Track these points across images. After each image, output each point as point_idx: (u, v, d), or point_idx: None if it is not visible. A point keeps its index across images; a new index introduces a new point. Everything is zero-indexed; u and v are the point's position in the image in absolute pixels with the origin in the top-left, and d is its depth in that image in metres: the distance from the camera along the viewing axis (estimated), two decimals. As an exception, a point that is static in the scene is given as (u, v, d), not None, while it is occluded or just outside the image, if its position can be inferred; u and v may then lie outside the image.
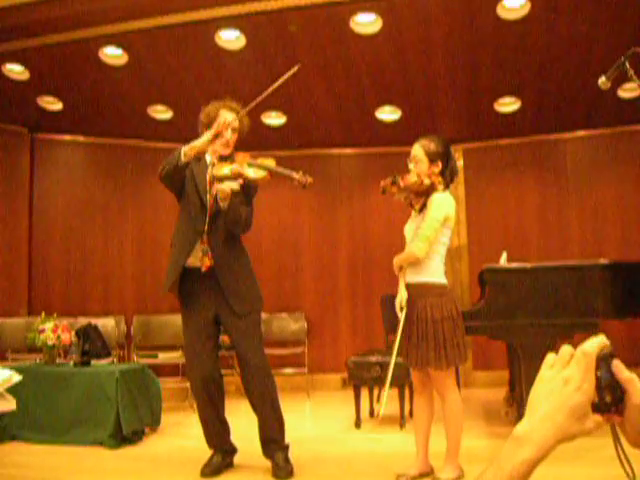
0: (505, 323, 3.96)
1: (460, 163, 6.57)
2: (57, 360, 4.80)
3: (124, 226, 7.02)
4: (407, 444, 3.68)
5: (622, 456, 0.83)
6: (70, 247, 6.79)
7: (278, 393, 3.46)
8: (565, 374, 0.79)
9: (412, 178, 3.17)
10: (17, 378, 3.49)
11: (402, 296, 3.19)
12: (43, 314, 4.83)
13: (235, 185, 3.19)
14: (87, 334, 5.48)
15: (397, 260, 3.24)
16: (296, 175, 3.17)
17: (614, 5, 4.62)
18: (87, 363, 4.61)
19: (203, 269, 3.31)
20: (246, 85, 5.62)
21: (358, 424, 4.67)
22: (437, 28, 4.99)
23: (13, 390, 3.46)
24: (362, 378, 4.67)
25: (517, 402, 4.40)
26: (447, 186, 3.25)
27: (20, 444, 4.21)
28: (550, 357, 0.84)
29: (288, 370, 6.83)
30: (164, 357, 6.02)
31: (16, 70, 5.56)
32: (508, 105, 6.42)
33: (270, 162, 3.28)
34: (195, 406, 3.59)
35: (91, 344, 5.43)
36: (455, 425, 3.10)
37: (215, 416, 3.46)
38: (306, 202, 7.34)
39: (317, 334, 7.13)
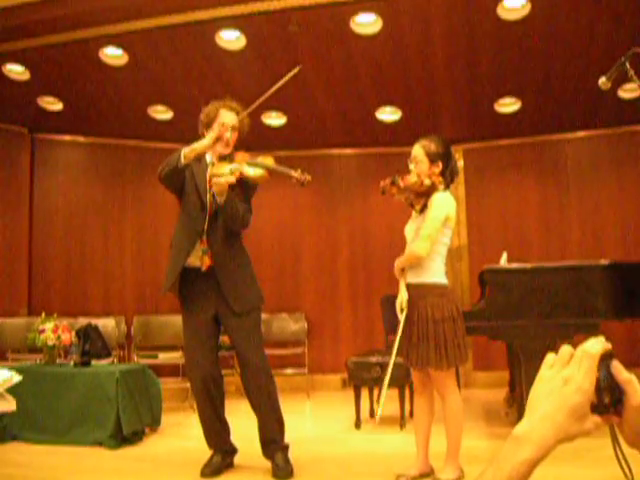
0: (505, 323, 3.96)
1: (460, 163, 6.56)
2: (57, 360, 4.80)
3: (124, 226, 7.02)
4: (407, 444, 3.67)
5: (621, 457, 0.83)
6: (70, 247, 6.79)
7: (278, 393, 3.46)
8: (565, 374, 0.79)
9: (412, 178, 3.17)
10: (17, 378, 3.49)
11: (402, 297, 3.19)
12: (43, 314, 4.83)
13: (231, 178, 3.19)
14: (87, 334, 5.49)
15: (398, 262, 3.24)
16: (295, 173, 3.19)
17: (614, 5, 4.62)
18: (87, 363, 4.61)
19: (203, 268, 3.32)
20: (246, 85, 5.62)
21: (358, 424, 4.66)
22: (437, 28, 4.99)
23: (13, 390, 3.47)
24: (362, 378, 4.67)
25: (517, 403, 4.40)
26: (447, 186, 3.25)
27: (20, 444, 4.21)
28: (550, 357, 0.83)
29: (288, 370, 6.83)
30: (164, 357, 6.03)
31: (16, 70, 5.57)
32: (508, 105, 6.42)
33: (269, 161, 3.29)
34: (195, 406, 3.59)
35: (91, 344, 5.44)
36: (455, 425, 3.10)
37: (215, 416, 3.46)
38: (306, 202, 7.34)
39: (317, 334, 7.13)
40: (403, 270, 3.23)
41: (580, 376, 0.78)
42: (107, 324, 6.26)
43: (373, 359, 4.66)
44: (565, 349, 0.82)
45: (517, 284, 3.99)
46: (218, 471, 3.41)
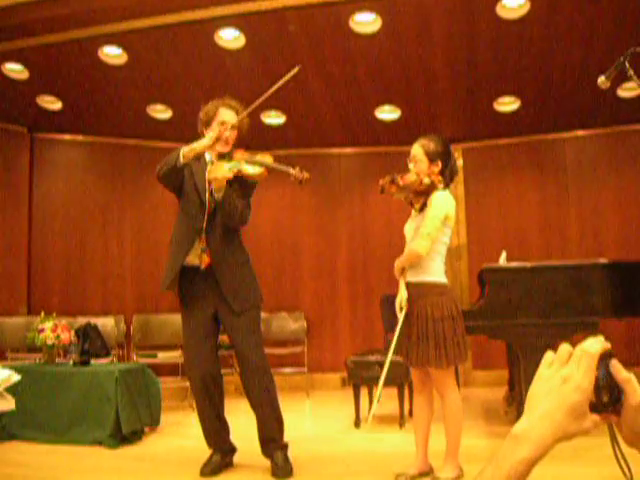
0: (504, 322, 3.96)
1: (459, 162, 6.56)
2: (56, 360, 4.80)
3: (124, 225, 7.02)
4: (407, 443, 3.68)
5: (619, 456, 0.83)
6: (69, 246, 6.79)
7: (277, 392, 3.46)
8: (564, 373, 0.79)
9: (411, 177, 3.16)
10: (16, 378, 3.49)
11: (402, 296, 3.19)
12: (42, 313, 4.83)
13: (229, 173, 3.20)
14: (86, 333, 5.49)
15: (398, 263, 3.23)
16: (293, 171, 3.20)
17: (614, 5, 4.62)
18: (86, 363, 4.61)
19: (202, 267, 3.32)
20: (245, 84, 5.62)
21: (357, 423, 4.67)
22: (437, 27, 4.99)
23: (13, 390, 3.47)
24: (362, 377, 4.67)
25: (517, 401, 4.40)
26: (447, 185, 3.25)
27: (19, 443, 4.21)
28: (549, 356, 0.83)
29: (287, 370, 6.83)
30: (163, 357, 6.03)
31: (16, 69, 5.56)
32: (507, 105, 6.42)
33: (268, 158, 3.30)
34: (194, 405, 3.59)
35: (90, 343, 5.44)
36: (455, 424, 3.10)
37: (214, 415, 3.46)
38: (306, 201, 7.34)
39: (316, 333, 7.13)
40: (403, 270, 3.23)
41: (579, 375, 0.78)
42: (106, 323, 6.26)
43: (372, 358, 4.66)
44: (564, 348, 0.82)
45: (516, 283, 3.99)
46: (217, 470, 3.41)
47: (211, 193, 3.31)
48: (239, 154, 3.33)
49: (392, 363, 3.09)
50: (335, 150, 7.43)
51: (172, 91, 6.04)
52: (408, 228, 3.31)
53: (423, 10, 4.78)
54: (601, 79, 2.66)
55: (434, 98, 6.27)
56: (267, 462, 3.40)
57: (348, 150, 7.47)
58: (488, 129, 6.96)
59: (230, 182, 3.27)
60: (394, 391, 4.63)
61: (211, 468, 3.39)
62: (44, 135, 6.80)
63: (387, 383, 4.64)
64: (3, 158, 6.50)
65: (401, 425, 4.56)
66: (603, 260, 4.11)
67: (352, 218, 7.36)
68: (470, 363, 6.77)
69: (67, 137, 6.94)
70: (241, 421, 3.70)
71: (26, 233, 6.60)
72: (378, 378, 4.49)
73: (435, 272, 3.16)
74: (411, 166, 3.23)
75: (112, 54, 5.35)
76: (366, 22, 4.95)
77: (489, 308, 3.97)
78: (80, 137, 6.96)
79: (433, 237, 3.09)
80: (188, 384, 4.23)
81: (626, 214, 6.71)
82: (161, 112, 6.51)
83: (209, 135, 3.29)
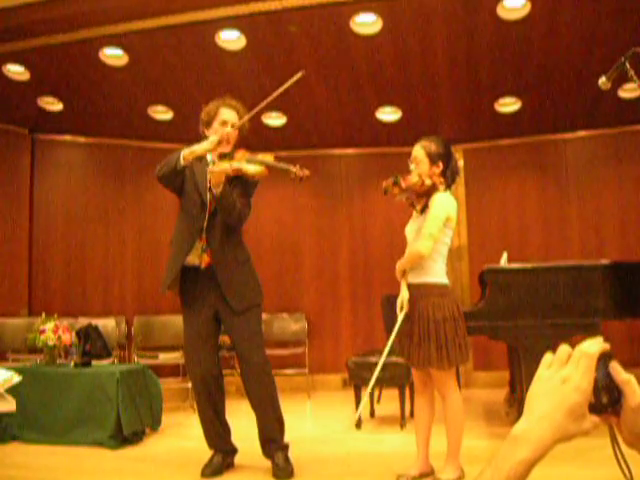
0: (505, 324, 3.96)
1: (460, 163, 6.56)
2: (57, 361, 4.80)
3: (124, 226, 7.02)
4: (408, 444, 3.68)
5: (620, 457, 0.83)
6: (70, 247, 6.79)
7: (278, 393, 3.46)
8: (563, 374, 0.79)
9: (413, 179, 3.17)
10: (17, 379, 3.50)
11: (403, 296, 3.20)
12: (44, 315, 4.83)
13: (228, 168, 3.20)
14: (88, 335, 5.50)
15: (400, 265, 3.23)
16: (293, 168, 3.21)
17: (614, 5, 4.62)
18: (88, 364, 4.61)
19: (202, 266, 3.33)
20: (246, 85, 5.62)
21: (359, 424, 4.66)
22: (437, 28, 4.99)
23: (13, 391, 3.47)
24: (363, 378, 4.66)
25: (518, 402, 4.40)
26: (448, 187, 3.25)
27: (20, 445, 4.21)
28: (548, 357, 0.83)
29: (289, 370, 6.83)
30: (164, 358, 6.03)
31: (16, 70, 5.57)
32: (508, 105, 6.42)
33: (268, 157, 3.31)
34: (195, 406, 3.60)
35: (92, 345, 5.45)
36: (456, 425, 3.10)
37: (215, 416, 3.46)
38: (306, 202, 7.34)
39: (317, 334, 7.13)
40: (404, 272, 3.23)
41: (578, 376, 0.78)
42: (107, 324, 6.26)
43: (373, 359, 4.65)
44: (563, 349, 0.82)
45: (517, 284, 3.99)
46: (219, 471, 3.41)
47: (210, 189, 3.31)
48: (240, 154, 3.34)
49: (392, 364, 3.09)
50: (336, 151, 7.43)
51: (173, 92, 6.05)
52: (409, 229, 3.31)
53: (424, 11, 4.78)
54: (602, 80, 2.66)
55: (435, 99, 6.27)
56: (268, 463, 3.40)
57: (349, 151, 7.47)
58: (489, 130, 6.96)
59: (231, 181, 3.28)
60: (395, 392, 4.63)
61: (212, 469, 3.39)
62: (45, 136, 6.80)
63: (388, 384, 4.67)
64: (4, 159, 6.51)
65: (402, 426, 4.55)
66: (604, 261, 4.11)
67: (353, 219, 7.36)
68: (471, 364, 6.77)
69: (68, 138, 6.94)
70: (242, 422, 3.70)
71: (27, 234, 6.61)
72: (379, 379, 4.49)
73: (436, 273, 3.16)
74: (412, 167, 3.23)
75: (113, 55, 5.36)
76: (367, 23, 4.95)
77: (490, 309, 3.96)
78: (81, 138, 6.97)
79: (435, 238, 3.09)
80: (189, 385, 4.25)
81: (627, 215, 6.71)
82: (162, 113, 6.51)
83: (211, 139, 3.28)
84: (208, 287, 3.36)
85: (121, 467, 3.70)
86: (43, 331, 4.63)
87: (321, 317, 7.18)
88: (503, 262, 4.64)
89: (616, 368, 0.79)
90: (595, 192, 6.84)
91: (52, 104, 6.24)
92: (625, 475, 0.82)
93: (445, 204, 3.13)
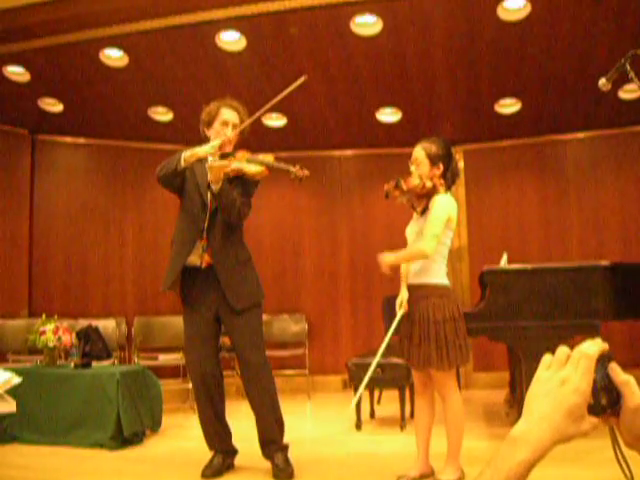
0: (506, 325, 3.96)
1: (460, 164, 6.56)
2: (58, 362, 4.80)
3: (125, 227, 7.02)
4: (408, 445, 3.67)
5: (621, 458, 0.83)
6: (71, 249, 6.80)
7: (278, 394, 3.46)
8: (562, 375, 0.79)
9: (414, 181, 3.17)
10: (17, 380, 3.49)
11: (403, 296, 3.21)
12: (44, 316, 4.83)
13: (226, 164, 3.21)
14: (88, 336, 5.50)
15: (396, 257, 3.15)
16: (293, 168, 3.22)
17: (614, 6, 4.62)
18: (88, 365, 4.61)
19: (203, 266, 3.33)
20: (247, 86, 5.63)
21: (359, 425, 4.66)
22: (437, 29, 4.99)
23: (13, 392, 3.46)
24: (363, 379, 4.66)
25: (518, 403, 4.40)
26: (449, 188, 3.25)
27: (21, 446, 4.21)
28: (547, 358, 0.83)
29: (289, 371, 6.83)
30: (165, 359, 6.03)
31: (17, 72, 5.57)
32: (508, 106, 6.42)
33: (269, 157, 3.33)
34: (196, 407, 3.60)
35: (92, 346, 5.45)
36: (456, 426, 3.10)
37: (215, 417, 3.46)
38: (307, 203, 7.35)
39: (318, 335, 7.13)
40: (399, 269, 3.22)
41: (577, 377, 0.78)
42: (107, 325, 6.27)
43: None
44: (562, 350, 0.82)
45: (517, 285, 3.99)
46: (219, 472, 3.41)
47: (208, 186, 3.32)
48: (241, 154, 3.35)
49: (392, 365, 3.09)
50: (336, 152, 7.43)
51: (173, 93, 6.05)
52: (410, 231, 3.31)
53: (424, 12, 4.79)
54: (602, 81, 2.67)
55: (435, 100, 6.28)
56: (268, 464, 3.40)
57: (349, 152, 7.47)
58: (489, 131, 6.96)
59: (231, 181, 3.28)
60: (395, 393, 4.63)
61: (212, 470, 3.39)
62: (45, 137, 6.81)
63: (388, 385, 4.67)
64: (4, 160, 6.51)
65: (402, 427, 4.55)
66: (604, 262, 4.11)
67: (353, 220, 7.36)
68: (471, 365, 6.77)
69: (68, 139, 6.95)
70: (242, 423, 3.70)
71: (27, 235, 6.61)
72: (379, 380, 4.50)
73: (437, 274, 3.16)
74: (412, 168, 3.23)
75: (113, 56, 5.36)
76: (367, 24, 4.96)
77: (490, 310, 3.96)
78: (81, 139, 6.97)
79: (439, 238, 3.09)
80: (189, 386, 4.25)
81: (627, 216, 6.71)
82: (162, 114, 6.52)
83: (213, 143, 3.30)
84: (208, 287, 3.37)
85: (121, 468, 3.70)
86: (43, 332, 4.63)
87: (321, 318, 7.18)
88: (503, 263, 4.64)
89: (615, 369, 0.79)
90: (595, 193, 6.84)
91: (52, 105, 6.25)
92: (626, 476, 0.82)
93: (446, 205, 3.13)
